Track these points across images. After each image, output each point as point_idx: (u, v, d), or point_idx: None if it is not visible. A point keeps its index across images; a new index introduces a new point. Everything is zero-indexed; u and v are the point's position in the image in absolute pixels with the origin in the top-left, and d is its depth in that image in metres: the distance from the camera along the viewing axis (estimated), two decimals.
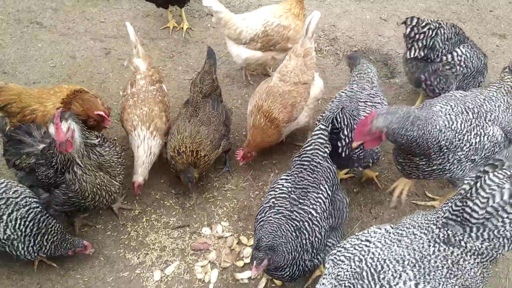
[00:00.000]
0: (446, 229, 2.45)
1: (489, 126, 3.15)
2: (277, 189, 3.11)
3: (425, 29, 4.01)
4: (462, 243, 2.43)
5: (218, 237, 3.71)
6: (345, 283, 2.42)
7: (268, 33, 4.45)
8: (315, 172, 3.10)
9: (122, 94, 4.23)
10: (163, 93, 4.12)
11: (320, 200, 3.01)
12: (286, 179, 3.15)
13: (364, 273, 2.41)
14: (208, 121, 3.87)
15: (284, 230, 2.89)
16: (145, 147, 3.77)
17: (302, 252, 2.91)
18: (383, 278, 2.36)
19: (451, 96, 3.34)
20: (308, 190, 3.04)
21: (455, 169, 3.14)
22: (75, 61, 5.29)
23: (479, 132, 3.11)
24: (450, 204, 2.50)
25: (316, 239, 2.94)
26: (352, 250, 2.52)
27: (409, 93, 4.89)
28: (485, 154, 3.16)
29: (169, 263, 3.55)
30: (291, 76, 3.92)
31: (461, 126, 3.08)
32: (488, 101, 3.28)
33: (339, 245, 2.63)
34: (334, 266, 2.51)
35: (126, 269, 3.50)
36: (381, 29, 5.74)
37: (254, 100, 4.01)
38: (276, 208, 3.01)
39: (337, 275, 2.47)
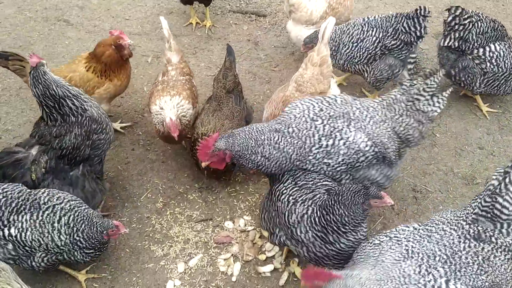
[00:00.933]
0: (476, 225, 2.44)
1: (350, 132, 3.03)
2: None
3: (465, 22, 3.99)
4: (493, 239, 2.42)
5: (240, 230, 3.76)
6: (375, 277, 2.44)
7: (333, 6, 4.81)
8: None
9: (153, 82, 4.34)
10: (191, 84, 4.20)
11: None
12: None
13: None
14: (231, 115, 3.92)
15: None
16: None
17: None
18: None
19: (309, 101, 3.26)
20: None
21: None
22: None
23: (333, 136, 3.02)
24: (479, 200, 2.49)
25: None
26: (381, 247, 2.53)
27: None
28: (343, 159, 3.04)
29: (193, 256, 3.62)
30: (308, 86, 3.86)
31: (301, 129, 3.06)
32: (361, 111, 3.14)
33: (368, 241, 2.65)
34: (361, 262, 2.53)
35: (151, 261, 3.58)
36: None
37: (270, 109, 3.98)
38: None
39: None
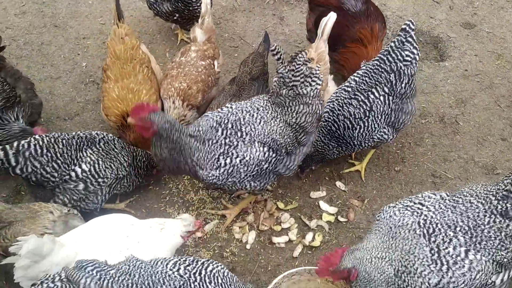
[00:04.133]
0: (505, 201, 2.43)
1: (244, 147, 2.99)
2: None
3: None
4: None
5: (257, 201, 3.75)
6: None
7: None
8: None
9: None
10: (209, 71, 4.06)
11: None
12: None
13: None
14: None
15: None
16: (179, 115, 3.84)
17: None
18: (434, 241, 2.38)
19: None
20: None
21: None
22: (124, 21, 5.32)
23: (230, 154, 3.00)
24: None
25: None
26: (404, 211, 2.53)
27: (458, 77, 4.78)
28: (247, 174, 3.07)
29: (208, 221, 3.62)
30: None
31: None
32: (251, 114, 3.07)
33: (391, 204, 2.67)
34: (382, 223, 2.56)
35: None
36: (433, 11, 5.59)
37: None
38: None
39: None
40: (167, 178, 3.88)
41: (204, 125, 3.03)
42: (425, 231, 2.46)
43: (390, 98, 3.39)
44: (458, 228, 2.45)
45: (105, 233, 2.77)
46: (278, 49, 2.98)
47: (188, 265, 2.34)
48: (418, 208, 2.58)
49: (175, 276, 2.26)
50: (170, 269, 2.31)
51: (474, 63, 4.94)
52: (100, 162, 3.26)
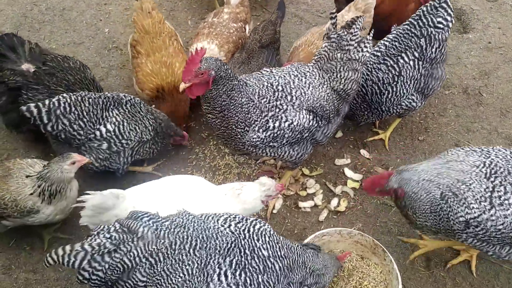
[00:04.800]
0: None
1: (294, 112, 2.96)
2: None
3: None
4: None
5: (282, 167, 3.79)
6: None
7: None
8: None
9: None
10: (240, 34, 4.06)
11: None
12: None
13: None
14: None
15: None
16: None
17: None
18: (492, 181, 2.56)
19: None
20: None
21: None
22: None
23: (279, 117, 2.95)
24: None
25: None
26: (471, 152, 2.73)
27: (481, 49, 4.75)
28: (287, 140, 3.06)
29: None
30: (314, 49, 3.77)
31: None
32: (299, 78, 3.04)
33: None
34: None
35: None
36: None
37: (305, 37, 3.94)
38: None
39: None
40: (194, 143, 3.92)
41: (257, 81, 2.98)
42: (488, 171, 2.58)
43: (420, 63, 3.39)
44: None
45: (173, 193, 2.82)
46: (333, 15, 3.07)
47: (238, 222, 2.38)
48: (488, 152, 2.70)
49: (226, 233, 2.30)
50: (222, 225, 2.34)
51: (498, 36, 4.91)
52: (125, 124, 3.28)
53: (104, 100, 3.25)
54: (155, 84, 3.71)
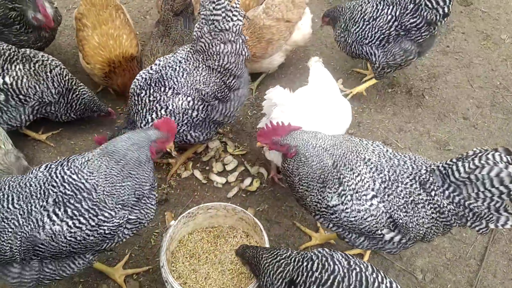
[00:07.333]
0: (430, 175, 2.53)
1: (167, 98, 3.09)
2: None
3: None
4: None
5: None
6: None
7: None
8: None
9: None
10: None
11: None
12: None
13: None
14: (181, 40, 3.79)
15: None
16: None
17: None
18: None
19: None
20: None
21: None
22: None
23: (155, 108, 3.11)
24: None
25: None
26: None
27: (437, 52, 4.70)
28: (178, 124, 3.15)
29: None
30: (275, 11, 3.81)
31: None
32: (173, 68, 3.11)
33: None
34: None
35: None
36: None
37: None
38: None
39: None
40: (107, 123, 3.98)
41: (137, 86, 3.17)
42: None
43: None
44: (381, 175, 2.52)
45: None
46: None
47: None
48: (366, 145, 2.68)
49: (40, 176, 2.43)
50: (41, 171, 2.45)
51: (459, 41, 4.85)
52: (24, 80, 3.30)
53: (12, 53, 3.32)
54: (104, 57, 3.75)
